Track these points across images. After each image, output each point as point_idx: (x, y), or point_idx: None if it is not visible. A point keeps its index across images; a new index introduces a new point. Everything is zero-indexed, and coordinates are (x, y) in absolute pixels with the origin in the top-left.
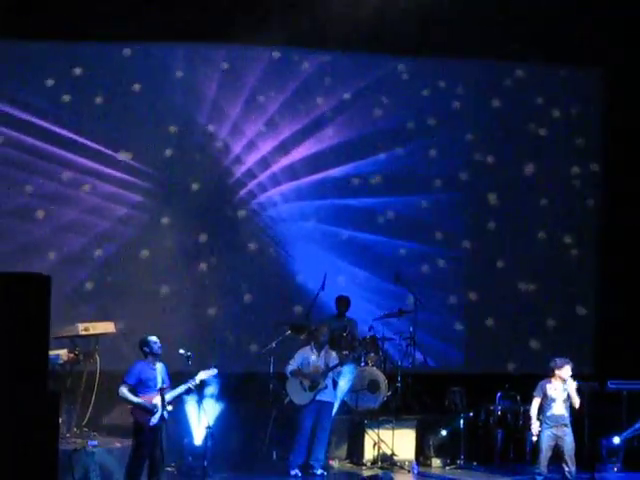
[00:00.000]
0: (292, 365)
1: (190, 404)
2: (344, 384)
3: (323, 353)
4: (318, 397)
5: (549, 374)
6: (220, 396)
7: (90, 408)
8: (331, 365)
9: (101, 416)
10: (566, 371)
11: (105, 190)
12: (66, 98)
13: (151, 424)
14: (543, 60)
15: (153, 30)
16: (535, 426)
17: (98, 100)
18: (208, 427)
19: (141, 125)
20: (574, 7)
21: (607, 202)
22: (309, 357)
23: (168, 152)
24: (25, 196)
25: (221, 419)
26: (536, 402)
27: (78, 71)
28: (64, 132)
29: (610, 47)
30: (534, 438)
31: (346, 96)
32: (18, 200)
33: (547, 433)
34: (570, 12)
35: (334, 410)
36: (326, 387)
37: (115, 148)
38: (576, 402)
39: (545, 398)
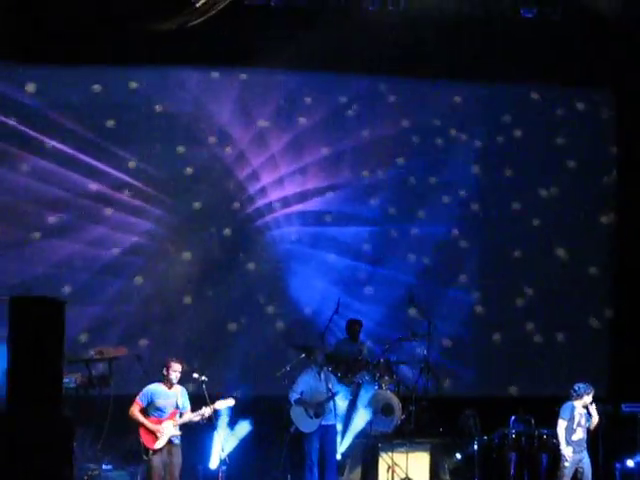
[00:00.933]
0: (295, 393)
1: (205, 430)
2: (361, 411)
3: (323, 376)
4: (323, 422)
5: (571, 398)
6: (235, 424)
7: (104, 432)
8: (334, 390)
9: (115, 440)
10: (588, 398)
11: (116, 216)
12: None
13: (155, 447)
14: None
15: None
16: (569, 451)
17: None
18: (223, 460)
19: (152, 146)
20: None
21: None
22: (310, 382)
23: (187, 170)
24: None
25: (236, 443)
26: (563, 424)
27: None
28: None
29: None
30: (567, 464)
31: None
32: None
33: (573, 457)
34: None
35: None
36: (330, 412)
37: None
38: (595, 420)
39: (572, 422)
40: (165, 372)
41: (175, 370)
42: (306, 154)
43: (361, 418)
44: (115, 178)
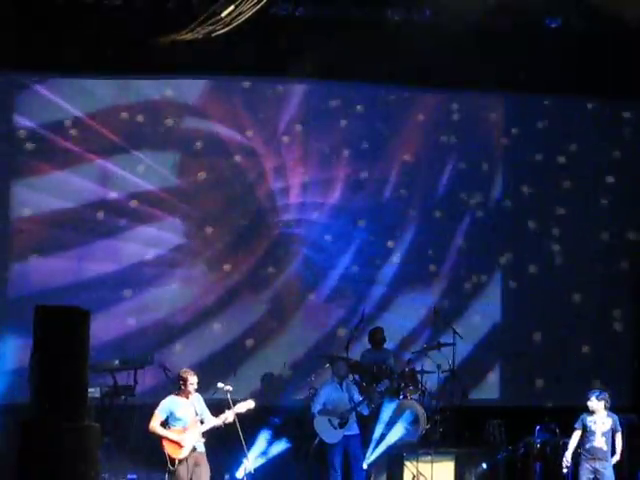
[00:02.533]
0: (318, 404)
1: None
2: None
3: (345, 386)
4: (345, 432)
5: (587, 406)
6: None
7: (129, 441)
8: (356, 400)
9: (140, 449)
10: (592, 404)
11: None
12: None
13: (180, 457)
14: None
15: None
16: (567, 458)
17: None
18: (249, 472)
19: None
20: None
21: None
22: (332, 393)
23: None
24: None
25: (261, 454)
26: (576, 434)
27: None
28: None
29: None
30: (564, 470)
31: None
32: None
33: (586, 466)
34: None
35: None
36: (353, 422)
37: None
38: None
39: (585, 431)
40: (181, 384)
41: (192, 382)
42: (327, 162)
43: (395, 433)
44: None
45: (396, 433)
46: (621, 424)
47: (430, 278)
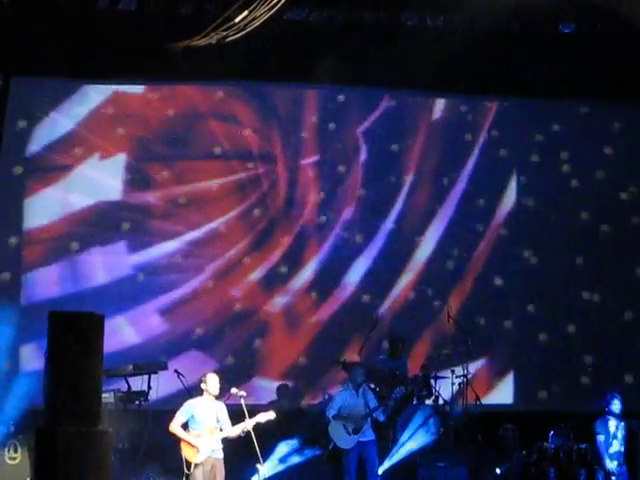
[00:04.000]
0: (333, 409)
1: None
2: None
3: (361, 392)
4: (360, 438)
5: (603, 411)
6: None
7: (143, 446)
8: (371, 406)
9: (154, 454)
10: (616, 407)
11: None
12: None
13: (197, 461)
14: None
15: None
16: (613, 465)
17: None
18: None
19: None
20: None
21: None
22: (348, 399)
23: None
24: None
25: (276, 460)
26: (600, 438)
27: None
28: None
29: None
30: (613, 478)
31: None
32: None
33: (607, 469)
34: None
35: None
36: (368, 428)
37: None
38: None
39: (607, 434)
40: (204, 385)
41: (214, 381)
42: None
43: (415, 441)
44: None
45: (415, 439)
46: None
47: (449, 283)
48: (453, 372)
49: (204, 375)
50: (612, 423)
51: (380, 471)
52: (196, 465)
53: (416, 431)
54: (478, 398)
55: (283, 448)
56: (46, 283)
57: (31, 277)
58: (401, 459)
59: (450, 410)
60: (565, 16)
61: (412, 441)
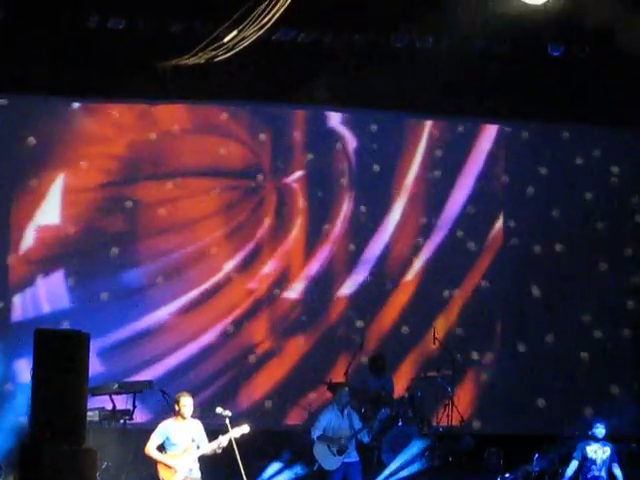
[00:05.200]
0: (317, 430)
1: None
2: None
3: (346, 413)
4: (345, 459)
5: (587, 436)
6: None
7: (127, 465)
8: (356, 427)
9: (138, 473)
10: (599, 432)
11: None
12: None
13: None
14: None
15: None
16: None
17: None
18: None
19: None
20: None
21: None
22: (333, 419)
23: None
24: None
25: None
26: (573, 465)
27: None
28: None
29: None
30: None
31: None
32: None
33: None
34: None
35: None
36: (353, 449)
37: None
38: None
39: (585, 460)
40: (176, 407)
41: (185, 404)
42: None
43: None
44: None
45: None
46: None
47: (440, 305)
48: (438, 394)
49: (178, 396)
50: (591, 448)
51: None
52: None
53: (412, 460)
54: (463, 420)
55: (267, 469)
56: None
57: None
58: None
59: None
60: (554, 38)
61: (406, 469)
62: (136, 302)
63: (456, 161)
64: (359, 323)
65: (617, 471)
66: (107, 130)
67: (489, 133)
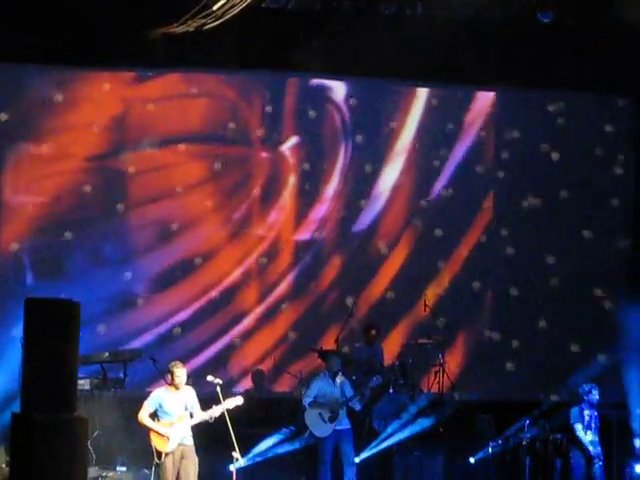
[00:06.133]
0: (309, 397)
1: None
2: None
3: (338, 381)
4: (336, 427)
5: (579, 401)
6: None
7: (118, 433)
8: (348, 394)
9: (129, 441)
10: (594, 397)
11: None
12: None
13: (167, 450)
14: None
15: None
16: (595, 451)
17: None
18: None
19: None
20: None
21: None
22: (324, 387)
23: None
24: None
25: (250, 446)
26: (579, 427)
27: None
28: None
29: None
30: (598, 465)
31: None
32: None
33: (581, 461)
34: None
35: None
36: (344, 416)
37: None
38: None
39: (583, 424)
40: (170, 377)
41: (179, 375)
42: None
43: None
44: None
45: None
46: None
47: (431, 273)
48: (429, 361)
49: (171, 366)
50: (587, 413)
51: (357, 460)
52: (167, 454)
53: (409, 421)
54: (453, 386)
55: (259, 436)
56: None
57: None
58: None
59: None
60: (544, 5)
61: (398, 435)
62: (126, 270)
63: (449, 127)
64: (350, 291)
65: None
66: (95, 99)
67: (481, 100)
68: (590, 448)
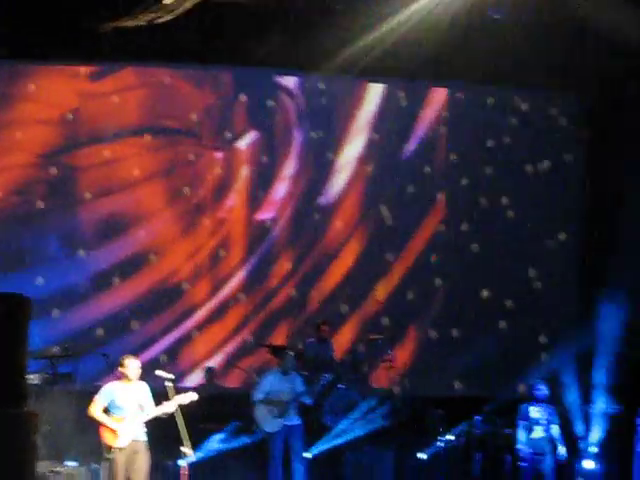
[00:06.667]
0: (259, 393)
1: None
2: None
3: (289, 377)
4: (286, 422)
5: (529, 397)
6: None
7: (68, 428)
8: (299, 390)
9: (80, 436)
10: (541, 393)
11: None
12: None
13: (118, 445)
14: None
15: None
16: (522, 451)
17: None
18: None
19: None
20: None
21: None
22: (275, 382)
23: None
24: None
25: (200, 441)
26: (522, 427)
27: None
28: None
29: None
30: (522, 464)
31: None
32: None
33: (528, 457)
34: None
35: None
36: (295, 412)
37: None
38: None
39: (528, 422)
40: (121, 369)
41: (131, 367)
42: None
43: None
44: None
45: (346, 425)
46: (558, 417)
47: (382, 268)
48: (378, 356)
49: (123, 358)
50: (534, 409)
51: (307, 455)
52: (118, 449)
53: (355, 423)
54: (403, 382)
55: (210, 432)
56: None
57: None
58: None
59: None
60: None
61: (349, 433)
62: (76, 265)
63: (400, 122)
64: (301, 286)
65: (555, 432)
66: (44, 94)
67: (435, 96)
68: (519, 446)
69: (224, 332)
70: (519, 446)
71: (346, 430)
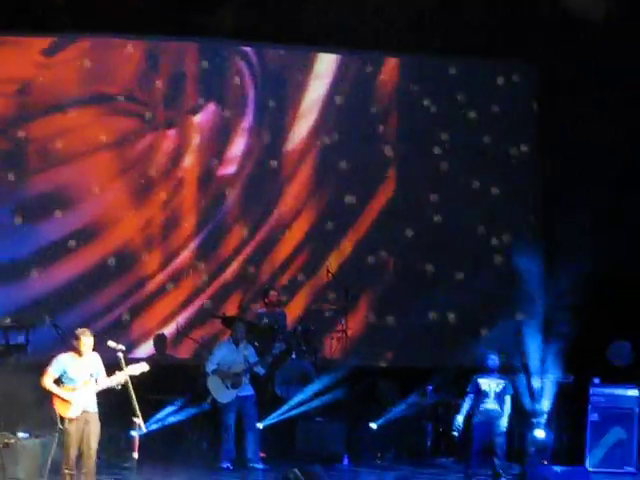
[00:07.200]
0: (212, 364)
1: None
2: None
3: (241, 347)
4: (239, 393)
5: (482, 369)
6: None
7: (20, 399)
8: (251, 360)
9: (33, 407)
10: (492, 363)
11: None
12: None
13: (70, 416)
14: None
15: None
16: (458, 421)
17: None
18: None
19: None
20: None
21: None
22: (228, 353)
23: None
24: None
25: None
26: (469, 398)
27: None
28: None
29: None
30: (454, 433)
31: None
32: None
33: (479, 429)
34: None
35: None
36: (247, 383)
37: None
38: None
39: (478, 393)
40: (76, 343)
41: (85, 343)
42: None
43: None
44: None
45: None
46: (512, 387)
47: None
48: (332, 327)
49: (79, 333)
50: (484, 381)
51: (260, 426)
52: (70, 420)
53: (311, 388)
54: (355, 351)
55: (162, 402)
56: None
57: None
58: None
59: None
60: None
61: (306, 400)
62: (29, 235)
63: (355, 93)
64: (254, 257)
65: (507, 405)
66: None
67: (387, 66)
68: (457, 418)
69: (176, 303)
70: (458, 417)
71: (299, 401)
